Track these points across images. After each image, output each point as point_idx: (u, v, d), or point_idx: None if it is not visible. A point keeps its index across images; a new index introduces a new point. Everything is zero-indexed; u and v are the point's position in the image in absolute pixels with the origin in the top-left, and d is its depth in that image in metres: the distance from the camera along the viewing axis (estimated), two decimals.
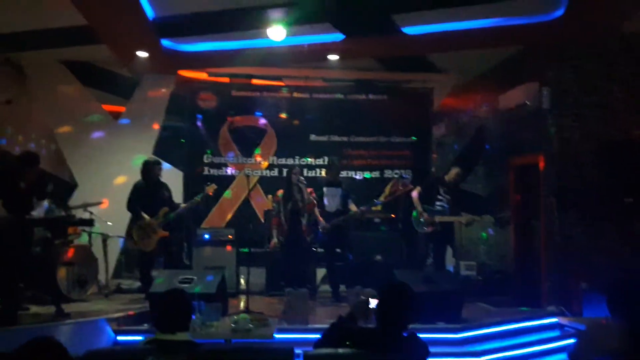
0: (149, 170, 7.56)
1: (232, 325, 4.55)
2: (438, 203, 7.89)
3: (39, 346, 2.40)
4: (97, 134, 9.51)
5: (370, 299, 3.41)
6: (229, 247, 8.48)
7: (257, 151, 10.01)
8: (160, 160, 7.88)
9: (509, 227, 8.60)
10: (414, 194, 7.96)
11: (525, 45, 8.12)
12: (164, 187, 7.68)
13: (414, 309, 3.24)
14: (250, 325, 4.53)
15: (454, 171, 8.01)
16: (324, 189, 8.12)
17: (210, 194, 7.79)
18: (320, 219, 7.93)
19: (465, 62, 9.14)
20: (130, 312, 6.67)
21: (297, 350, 3.50)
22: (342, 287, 8.05)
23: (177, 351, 3.11)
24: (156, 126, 9.62)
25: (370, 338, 3.23)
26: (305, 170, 9.51)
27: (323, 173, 9.64)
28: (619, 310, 3.05)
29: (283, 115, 10.14)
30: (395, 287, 3.32)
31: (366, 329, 3.37)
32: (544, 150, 7.75)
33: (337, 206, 8.03)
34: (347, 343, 3.21)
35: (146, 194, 7.50)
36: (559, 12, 6.80)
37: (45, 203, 6.96)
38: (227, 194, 9.78)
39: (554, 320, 7.00)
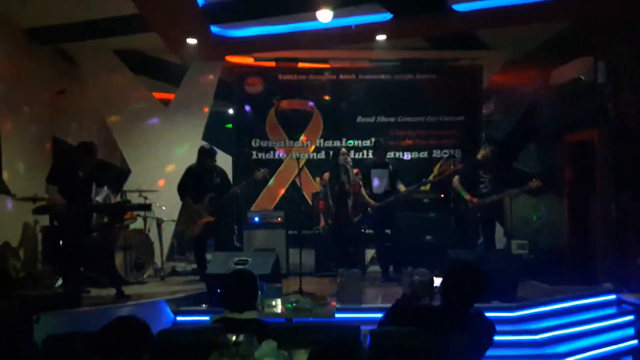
0: (201, 157, 7.71)
1: (294, 304, 4.63)
2: (482, 185, 7.68)
3: (125, 324, 2.48)
4: (148, 121, 9.70)
5: (434, 277, 3.42)
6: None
7: (304, 134, 10.04)
8: (213, 149, 7.90)
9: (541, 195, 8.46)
10: (455, 182, 7.78)
11: (578, 19, 7.91)
12: (217, 172, 7.77)
13: (479, 286, 3.23)
14: (311, 305, 4.60)
15: (486, 150, 7.73)
16: (372, 170, 8.08)
17: (259, 177, 7.85)
18: (369, 200, 7.93)
19: (515, 37, 8.95)
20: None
21: None
22: (391, 268, 8.14)
23: (246, 329, 3.17)
24: (205, 112, 9.75)
25: (435, 316, 3.23)
26: (352, 152, 9.49)
27: (370, 154, 9.64)
28: None
29: (329, 98, 10.12)
30: (461, 264, 3.32)
31: (431, 307, 3.38)
32: (600, 126, 7.59)
33: (385, 187, 8.00)
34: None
35: (197, 178, 7.65)
36: None
37: (104, 189, 7.16)
38: (272, 181, 9.85)
39: (610, 297, 6.91)
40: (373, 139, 9.31)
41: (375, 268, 8.35)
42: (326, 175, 8.36)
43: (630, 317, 6.64)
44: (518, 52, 9.76)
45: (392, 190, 8.00)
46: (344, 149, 8.30)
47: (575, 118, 8.21)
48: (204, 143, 9.38)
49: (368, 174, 8.08)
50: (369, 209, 7.93)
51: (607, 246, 7.54)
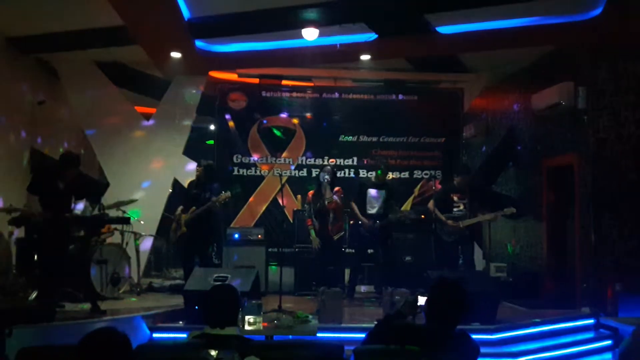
0: (206, 173, 7.92)
1: (275, 321, 4.57)
2: (455, 209, 7.93)
3: (106, 336, 2.41)
4: (128, 134, 9.58)
5: (419, 296, 3.40)
6: None
7: (286, 151, 10.02)
8: (209, 164, 8.07)
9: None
10: (430, 206, 8.07)
11: (561, 45, 8.03)
12: (208, 187, 7.94)
13: (465, 305, 3.22)
14: (293, 322, 4.54)
15: (457, 179, 8.08)
16: (369, 190, 8.16)
17: (221, 202, 7.82)
18: (363, 219, 8.03)
19: (497, 62, 9.08)
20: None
21: None
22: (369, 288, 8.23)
23: (227, 345, 3.12)
24: (187, 127, 9.68)
25: (419, 335, 3.20)
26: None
27: (352, 173, 9.81)
28: None
29: (312, 116, 10.13)
30: (447, 282, 3.29)
31: (415, 325, 3.36)
32: (579, 151, 7.69)
33: (379, 209, 8.08)
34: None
35: (192, 193, 7.90)
36: (596, 12, 6.72)
37: (82, 202, 7.06)
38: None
39: (589, 321, 6.94)
40: (355, 159, 9.47)
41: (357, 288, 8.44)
42: (311, 193, 8.34)
43: (608, 342, 6.67)
44: (499, 76, 9.87)
45: (384, 212, 8.10)
46: (328, 167, 8.30)
47: (555, 142, 8.30)
48: (184, 157, 9.37)
49: (365, 193, 8.13)
50: (361, 228, 7.98)
51: (585, 270, 7.59)
